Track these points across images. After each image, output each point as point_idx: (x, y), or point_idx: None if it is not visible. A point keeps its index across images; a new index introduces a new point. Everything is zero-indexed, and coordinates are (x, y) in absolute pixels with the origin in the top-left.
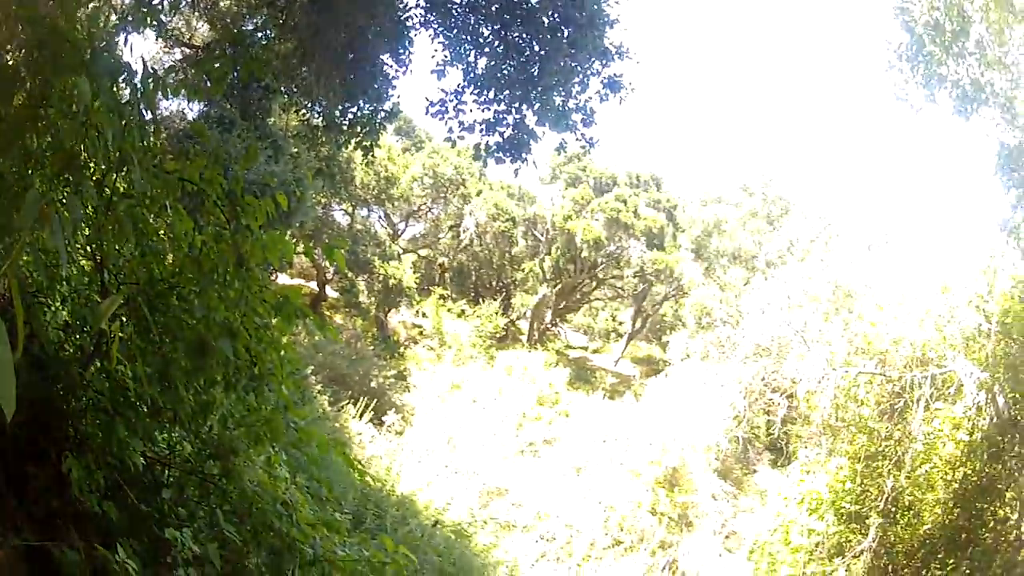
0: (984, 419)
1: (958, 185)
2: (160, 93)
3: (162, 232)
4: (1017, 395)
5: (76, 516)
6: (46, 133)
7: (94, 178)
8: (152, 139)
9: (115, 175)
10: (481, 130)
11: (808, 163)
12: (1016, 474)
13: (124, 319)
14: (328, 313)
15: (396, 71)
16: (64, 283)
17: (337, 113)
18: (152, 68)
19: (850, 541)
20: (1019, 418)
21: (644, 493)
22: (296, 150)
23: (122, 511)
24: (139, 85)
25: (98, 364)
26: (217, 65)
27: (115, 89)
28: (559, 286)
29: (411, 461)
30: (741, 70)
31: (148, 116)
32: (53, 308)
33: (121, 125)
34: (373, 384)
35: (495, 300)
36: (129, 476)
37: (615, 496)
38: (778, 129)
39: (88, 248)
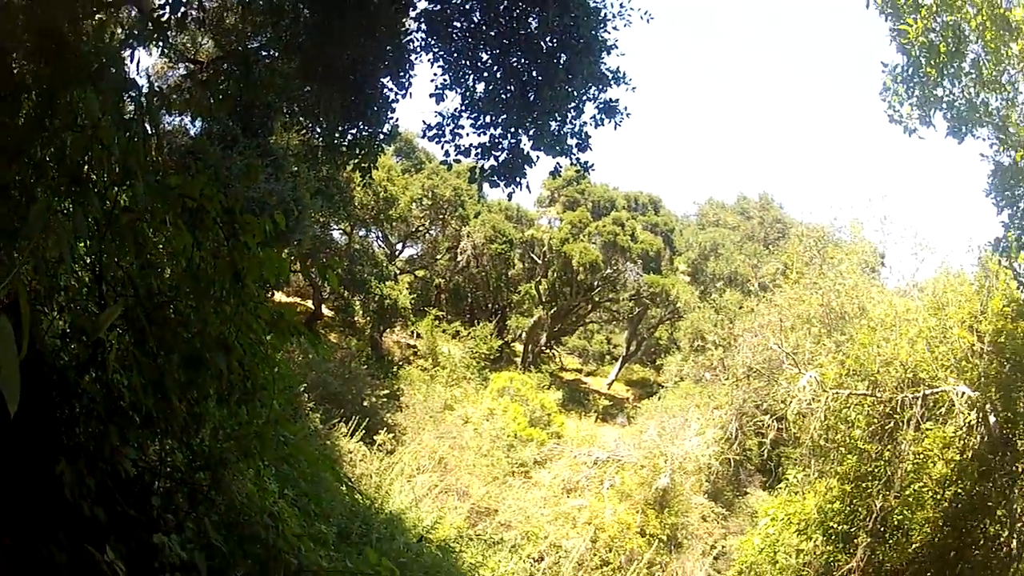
0: (975, 439)
1: (951, 205)
2: (165, 109)
3: (161, 246)
4: (1008, 414)
5: (67, 519)
6: (51, 145)
7: (97, 191)
8: (155, 154)
9: (118, 189)
10: (477, 154)
11: (805, 185)
12: (1007, 492)
13: (121, 330)
14: (323, 332)
15: (396, 94)
16: (63, 293)
17: (337, 134)
18: (157, 85)
19: (838, 561)
20: (1011, 436)
21: (634, 514)
22: (296, 169)
23: (112, 516)
24: (144, 101)
25: (94, 373)
26: (223, 85)
27: (120, 104)
28: (555, 308)
29: (401, 480)
30: (740, 92)
31: (151, 131)
32: (51, 317)
33: (126, 140)
34: (366, 403)
35: (490, 322)
36: (120, 483)
37: (605, 517)
38: (777, 151)
39: (88, 259)
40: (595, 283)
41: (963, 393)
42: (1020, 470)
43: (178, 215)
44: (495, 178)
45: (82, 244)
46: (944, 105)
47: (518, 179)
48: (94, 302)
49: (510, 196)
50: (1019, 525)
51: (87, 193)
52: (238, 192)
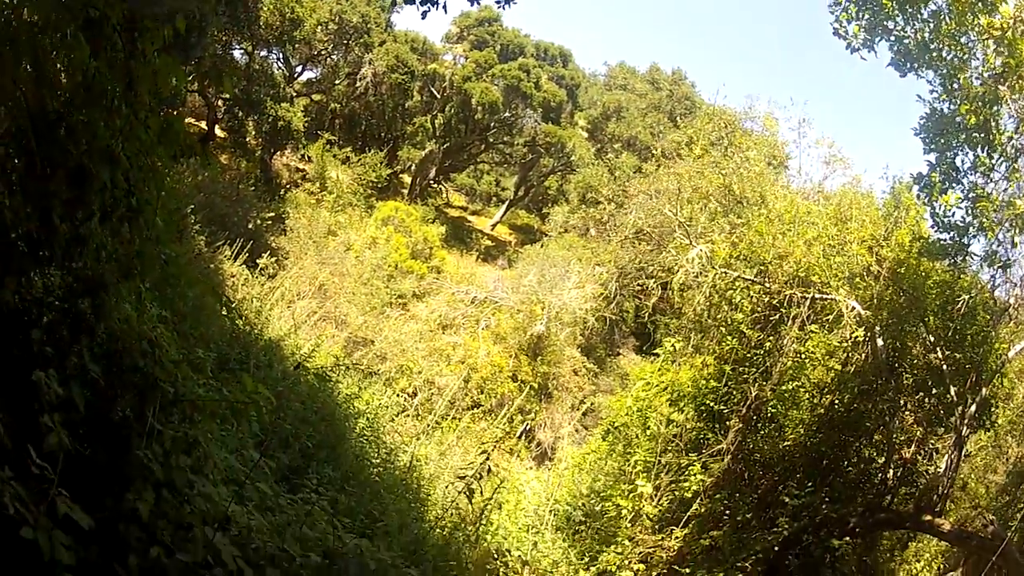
0: (859, 355)
1: (871, 128)
2: None
3: (59, 64)
4: (897, 343)
5: None
6: None
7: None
8: None
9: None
10: None
11: (723, 70)
12: (887, 418)
13: (9, 150)
14: (214, 153)
15: None
16: None
17: None
18: None
19: (708, 439)
20: (896, 367)
21: (507, 358)
22: None
23: None
24: None
25: None
26: None
27: None
28: (447, 144)
29: (281, 305)
30: None
31: None
32: None
33: None
34: (251, 226)
35: (381, 151)
36: (2, 317)
37: (479, 357)
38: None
39: None
40: (492, 124)
41: (853, 308)
42: (902, 402)
43: (79, 27)
44: None
45: None
46: (892, 38)
47: None
48: None
49: (424, 15)
50: (896, 457)
51: None
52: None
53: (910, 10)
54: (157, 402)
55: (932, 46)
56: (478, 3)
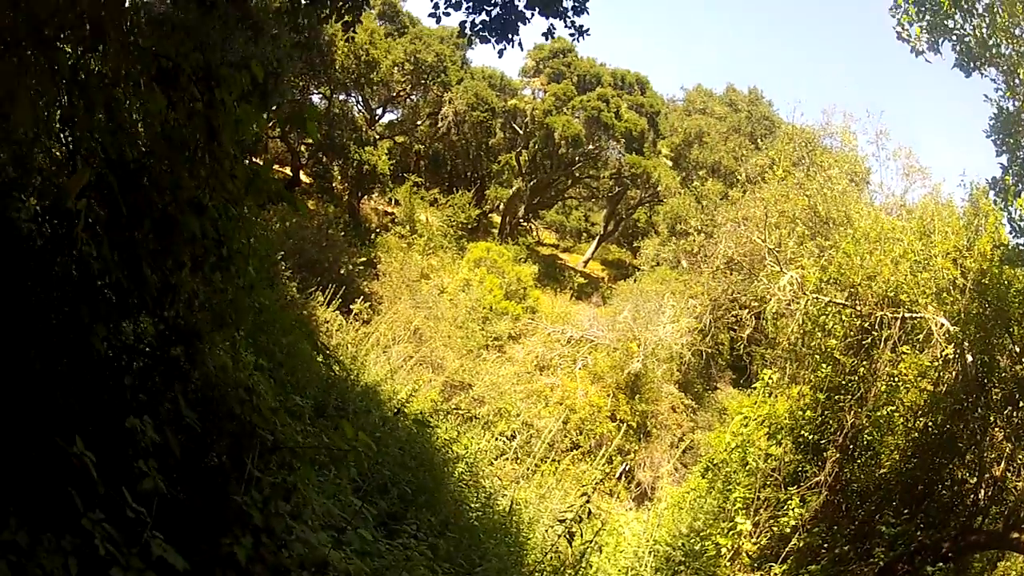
0: (950, 374)
1: (948, 134)
2: None
3: (135, 113)
4: (985, 357)
5: (37, 408)
6: (15, 9)
7: (68, 58)
8: (128, 16)
9: (89, 54)
10: (467, 7)
11: (799, 85)
12: (978, 436)
13: (94, 201)
14: (301, 198)
15: None
16: (38, 176)
17: None
18: None
19: (806, 471)
20: (986, 383)
21: (605, 398)
22: (276, 31)
23: (84, 401)
24: None
25: (66, 253)
26: None
27: None
28: (534, 181)
29: (376, 351)
30: None
31: None
32: (26, 202)
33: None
34: (342, 271)
35: (469, 191)
36: (93, 364)
37: (576, 398)
38: (772, 45)
39: (62, 135)
40: (576, 158)
41: (943, 325)
42: (992, 419)
43: (152, 77)
44: (486, 33)
45: (55, 118)
46: (954, 37)
47: (510, 35)
48: (67, 177)
49: (501, 54)
50: (987, 476)
51: (57, 58)
52: (215, 52)
53: (966, 6)
54: (255, 449)
55: (991, 42)
56: (552, 36)
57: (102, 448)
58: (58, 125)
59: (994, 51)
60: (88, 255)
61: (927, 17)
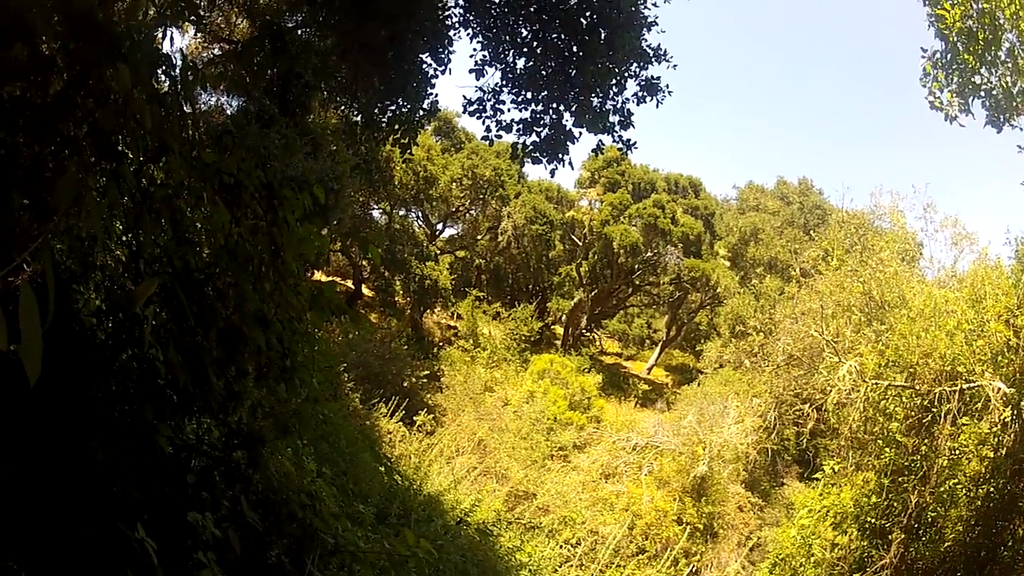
0: (1009, 436)
1: (990, 193)
2: (199, 86)
3: (199, 224)
4: None
5: (99, 497)
6: (83, 122)
7: (131, 167)
8: (191, 130)
9: (153, 166)
10: (518, 130)
11: (844, 170)
12: None
13: (158, 307)
14: (363, 312)
15: (435, 70)
16: (98, 271)
17: (376, 110)
18: (191, 61)
19: (871, 556)
20: None
21: (671, 502)
22: (335, 147)
23: (145, 494)
24: (178, 75)
25: (130, 350)
26: (257, 59)
27: (154, 79)
28: (595, 291)
29: (440, 461)
30: (780, 75)
31: (187, 108)
32: (87, 296)
33: (160, 114)
34: (406, 384)
35: (531, 303)
36: (155, 461)
37: (642, 504)
38: (816, 135)
39: (124, 237)
40: (636, 266)
41: (999, 388)
42: None
43: (215, 191)
44: (537, 154)
45: (118, 223)
46: (982, 93)
47: (560, 155)
48: (130, 279)
49: (552, 173)
50: None
51: (121, 168)
52: (276, 169)
53: (989, 57)
54: (316, 551)
55: (1015, 89)
56: (601, 152)
57: (162, 538)
58: (120, 226)
59: (1019, 99)
60: (155, 358)
61: (955, 79)
